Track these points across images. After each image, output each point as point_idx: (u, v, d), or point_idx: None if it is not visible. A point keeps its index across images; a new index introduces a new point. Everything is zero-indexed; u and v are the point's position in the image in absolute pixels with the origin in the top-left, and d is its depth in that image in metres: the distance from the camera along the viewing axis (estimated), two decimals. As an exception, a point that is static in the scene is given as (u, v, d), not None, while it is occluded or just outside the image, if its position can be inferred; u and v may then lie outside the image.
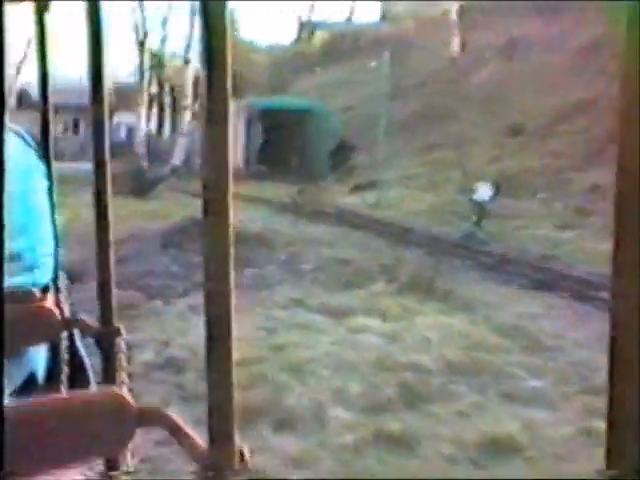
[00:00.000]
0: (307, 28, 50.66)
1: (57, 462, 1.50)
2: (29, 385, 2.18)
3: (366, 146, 30.08)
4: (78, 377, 2.35)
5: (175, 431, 1.42)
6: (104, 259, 2.12)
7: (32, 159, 2.30)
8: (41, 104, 2.42)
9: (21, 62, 28.75)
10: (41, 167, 2.34)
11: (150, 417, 1.49)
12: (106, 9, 1.97)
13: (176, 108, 31.50)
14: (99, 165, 2.15)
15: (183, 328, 8.06)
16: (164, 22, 30.69)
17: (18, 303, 2.04)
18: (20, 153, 2.23)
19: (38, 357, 2.27)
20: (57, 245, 2.36)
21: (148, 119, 33.31)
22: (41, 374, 2.27)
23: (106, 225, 2.13)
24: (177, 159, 29.47)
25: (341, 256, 12.61)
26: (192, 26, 32.02)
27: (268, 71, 41.42)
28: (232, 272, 1.17)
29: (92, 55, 2.09)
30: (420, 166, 25.50)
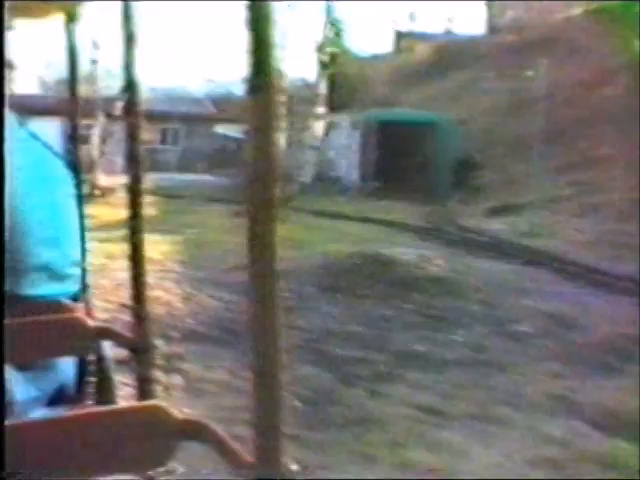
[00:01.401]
0: (406, 39, 47.64)
1: (98, 472, 1.45)
2: (60, 396, 2.16)
3: (489, 163, 26.76)
4: (105, 389, 2.28)
5: (219, 444, 1.40)
6: (139, 269, 2.07)
7: (61, 170, 2.26)
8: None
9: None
10: (69, 177, 2.29)
11: (193, 430, 1.44)
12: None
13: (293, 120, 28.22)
14: (134, 183, 2.08)
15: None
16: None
17: (48, 313, 2.07)
18: (49, 164, 2.23)
19: (68, 368, 2.21)
20: (85, 254, 2.33)
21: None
22: (71, 385, 2.21)
23: (140, 232, 2.06)
24: (307, 175, 25.96)
25: (548, 310, 9.36)
26: (325, 28, 28.71)
27: (372, 83, 38.29)
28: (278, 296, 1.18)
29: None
30: (563, 188, 21.96)
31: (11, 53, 2.32)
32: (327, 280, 9.82)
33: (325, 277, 9.99)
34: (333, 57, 30.19)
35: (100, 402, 2.28)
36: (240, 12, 1.09)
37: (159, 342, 7.44)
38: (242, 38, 1.09)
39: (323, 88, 27.94)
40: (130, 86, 2.09)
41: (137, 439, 1.46)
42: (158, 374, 1.73)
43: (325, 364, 6.70)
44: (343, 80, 33.52)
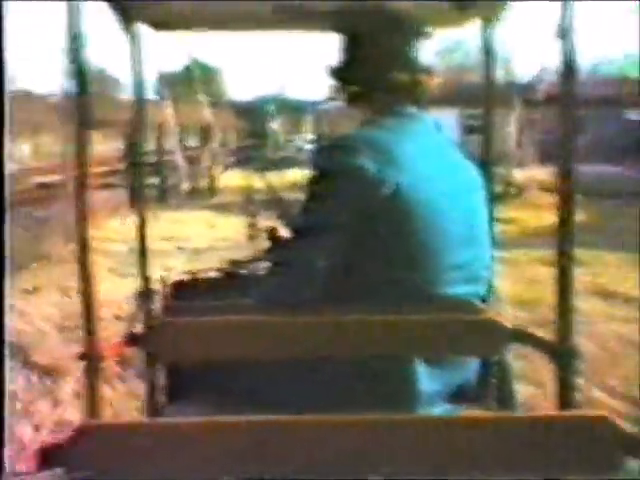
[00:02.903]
0: None
1: (525, 473, 1.47)
2: (460, 393, 2.20)
3: None
4: (504, 392, 2.31)
5: None
6: (564, 299, 2.02)
7: (474, 172, 2.32)
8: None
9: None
10: (481, 179, 2.34)
11: None
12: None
13: None
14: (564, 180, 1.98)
15: None
16: None
17: (460, 313, 2.13)
18: (464, 167, 2.29)
19: (472, 367, 2.25)
20: (492, 257, 2.36)
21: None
22: (472, 384, 2.25)
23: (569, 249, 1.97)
24: None
25: None
26: None
27: None
28: None
29: None
30: None
31: (426, 60, 2.29)
32: None
33: None
34: None
35: (499, 405, 2.28)
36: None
37: None
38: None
39: None
40: (566, 70, 1.99)
41: (578, 447, 1.45)
42: None
43: None
44: None
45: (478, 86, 2.76)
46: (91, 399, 2.02)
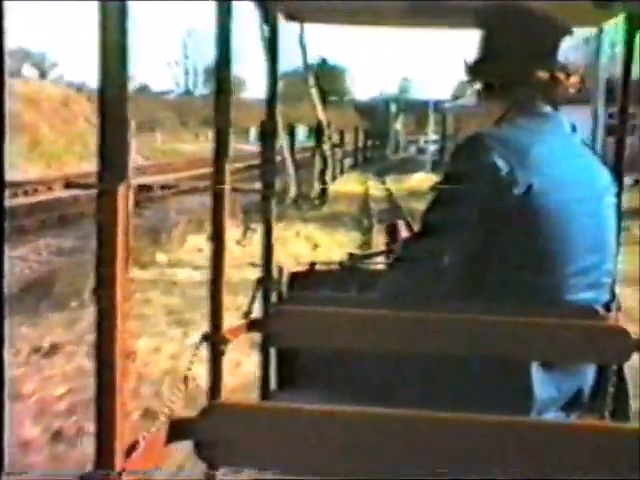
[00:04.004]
0: None
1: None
2: (574, 401, 2.18)
3: None
4: (620, 402, 2.26)
5: None
6: None
7: (606, 177, 2.30)
8: None
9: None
10: (612, 185, 2.31)
11: None
12: None
13: None
14: None
15: None
16: None
17: (583, 319, 2.11)
18: (596, 171, 2.26)
19: (589, 374, 2.24)
20: (616, 264, 2.35)
21: None
22: (587, 392, 2.23)
23: None
24: None
25: None
26: None
27: None
28: None
29: None
30: None
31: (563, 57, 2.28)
32: None
33: None
34: None
35: (612, 416, 2.23)
36: None
37: None
38: None
39: None
40: None
41: None
42: None
43: None
44: None
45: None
46: (214, 380, 2.13)
